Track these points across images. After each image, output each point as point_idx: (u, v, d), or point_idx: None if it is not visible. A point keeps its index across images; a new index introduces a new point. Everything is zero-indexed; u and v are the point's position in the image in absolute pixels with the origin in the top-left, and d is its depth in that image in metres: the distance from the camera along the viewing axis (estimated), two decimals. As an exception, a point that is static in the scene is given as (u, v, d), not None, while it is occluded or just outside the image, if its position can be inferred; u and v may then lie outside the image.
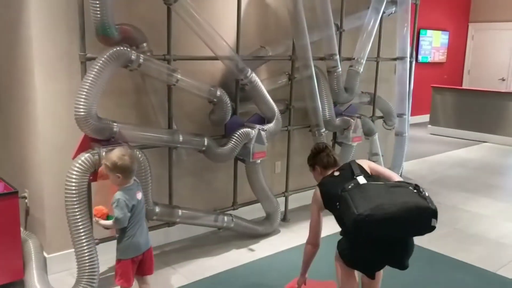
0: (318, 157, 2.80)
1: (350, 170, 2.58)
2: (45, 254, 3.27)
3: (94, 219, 2.62)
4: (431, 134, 9.35)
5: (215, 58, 3.55)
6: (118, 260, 2.69)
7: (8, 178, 3.33)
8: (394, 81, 5.40)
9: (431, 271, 3.43)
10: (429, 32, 10.29)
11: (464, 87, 11.16)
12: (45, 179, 3.17)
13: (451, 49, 11.20)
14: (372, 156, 5.06)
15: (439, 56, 10.92)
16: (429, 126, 9.49)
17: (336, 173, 2.69)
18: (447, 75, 11.28)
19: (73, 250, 3.21)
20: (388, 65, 5.37)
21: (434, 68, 10.85)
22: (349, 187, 2.35)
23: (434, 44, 10.61)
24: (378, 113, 5.22)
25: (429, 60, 10.65)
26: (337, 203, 2.39)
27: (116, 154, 2.59)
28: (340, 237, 2.61)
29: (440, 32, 10.63)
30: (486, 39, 11.31)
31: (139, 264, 2.74)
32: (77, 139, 3.02)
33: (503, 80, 11.10)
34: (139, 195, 2.68)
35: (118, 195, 2.58)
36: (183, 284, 3.21)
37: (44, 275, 3.08)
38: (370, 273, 2.56)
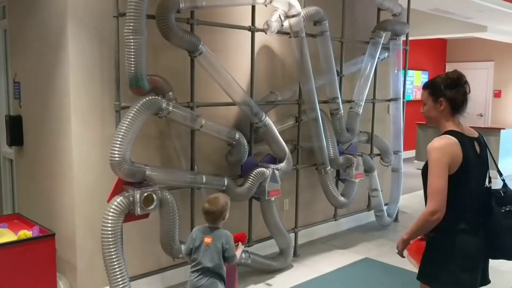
0: (456, 91, 2.22)
1: (485, 158, 2.28)
2: (75, 295, 3.39)
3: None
4: (418, 169, 9.73)
5: (233, 104, 3.83)
6: None
7: (34, 219, 3.47)
8: (388, 120, 5.77)
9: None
10: (410, 72, 10.86)
11: (444, 123, 11.67)
12: (78, 222, 3.34)
13: (431, 88, 11.75)
14: (372, 191, 5.34)
15: (420, 94, 11.43)
16: (415, 161, 9.89)
17: (477, 147, 2.25)
18: (428, 112, 11.79)
19: (105, 289, 3.37)
20: (381, 106, 5.73)
21: (416, 106, 11.35)
22: None
23: (416, 83, 11.17)
24: (375, 151, 5.53)
25: (412, 98, 11.19)
26: (506, 207, 2.18)
27: (208, 199, 2.94)
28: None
29: (420, 72, 11.23)
30: (463, 77, 11.93)
31: None
32: (109, 184, 3.22)
33: (481, 115, 11.69)
34: (208, 240, 2.82)
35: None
36: (210, 318, 3.36)
37: (78, 314, 3.20)
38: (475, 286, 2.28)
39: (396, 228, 5.56)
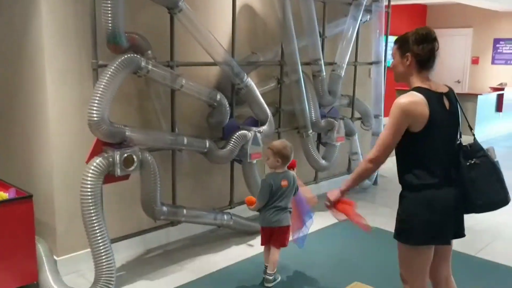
0: (423, 47, 2.18)
1: (456, 113, 2.26)
2: (55, 257, 3.34)
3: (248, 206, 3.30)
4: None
5: (214, 64, 3.74)
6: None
7: (10, 182, 3.38)
8: (368, 84, 5.75)
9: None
10: (390, 38, 10.79)
11: (423, 89, 11.76)
12: (56, 183, 3.26)
13: (410, 54, 11.78)
14: (353, 155, 5.37)
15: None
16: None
17: (446, 103, 2.22)
18: (407, 79, 11.85)
19: (82, 252, 3.34)
20: (362, 70, 5.70)
21: (395, 71, 11.38)
22: (495, 157, 2.22)
23: (395, 49, 11.13)
24: (356, 114, 5.53)
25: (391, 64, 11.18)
26: (472, 160, 2.18)
27: (282, 144, 3.24)
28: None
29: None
30: (442, 43, 11.91)
31: (270, 236, 3.27)
32: (87, 145, 3.14)
33: (459, 82, 11.79)
34: (285, 183, 3.20)
35: (266, 178, 3.24)
36: (192, 279, 3.37)
37: (59, 276, 3.16)
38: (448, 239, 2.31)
39: (375, 191, 5.63)
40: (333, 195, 2.47)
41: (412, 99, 2.14)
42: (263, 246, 3.38)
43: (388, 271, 3.46)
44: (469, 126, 2.37)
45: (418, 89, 2.18)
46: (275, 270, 3.28)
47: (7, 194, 3.07)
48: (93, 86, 3.06)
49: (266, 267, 3.31)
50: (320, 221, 4.48)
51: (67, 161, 3.27)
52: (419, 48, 2.18)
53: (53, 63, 3.12)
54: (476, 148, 2.24)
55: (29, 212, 3.03)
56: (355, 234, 4.28)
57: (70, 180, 3.27)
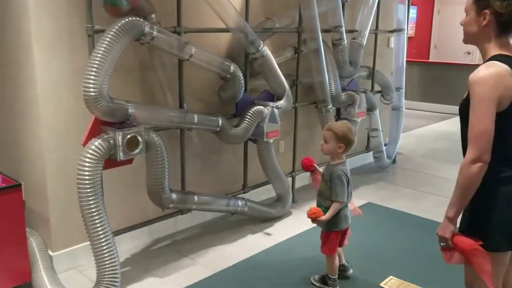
0: (508, 4, 1.70)
1: None
2: (49, 252, 2.94)
3: (314, 221, 2.62)
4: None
5: (226, 30, 3.27)
6: (328, 232, 2.72)
7: (-2, 168, 2.96)
8: (386, 54, 5.29)
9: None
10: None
11: (431, 60, 11.31)
12: (48, 169, 2.83)
13: (419, 24, 11.27)
14: (372, 131, 4.95)
15: (409, 30, 10.94)
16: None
17: None
18: (415, 50, 11.37)
19: (81, 245, 2.96)
20: (380, 39, 5.23)
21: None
22: None
23: (404, 18, 10.63)
24: (376, 87, 5.10)
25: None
26: None
27: (347, 126, 2.69)
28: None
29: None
30: (451, 13, 11.44)
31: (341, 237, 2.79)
32: (83, 124, 2.70)
33: (469, 53, 11.31)
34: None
35: (340, 170, 2.64)
36: (207, 275, 2.98)
37: (54, 275, 2.76)
38: None
39: (394, 170, 5.23)
40: (446, 230, 1.81)
41: (497, 70, 1.68)
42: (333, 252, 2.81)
43: (423, 263, 3.11)
44: None
45: (499, 58, 1.72)
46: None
47: (-8, 182, 2.64)
48: (88, 55, 2.60)
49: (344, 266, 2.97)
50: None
51: (60, 142, 2.83)
52: (502, 5, 1.70)
53: (39, 28, 2.64)
54: None
55: (18, 203, 2.61)
56: (379, 219, 3.91)
57: (64, 164, 2.84)
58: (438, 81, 9.10)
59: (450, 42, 11.54)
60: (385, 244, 3.45)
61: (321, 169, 2.86)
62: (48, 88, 2.73)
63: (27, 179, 2.92)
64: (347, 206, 2.74)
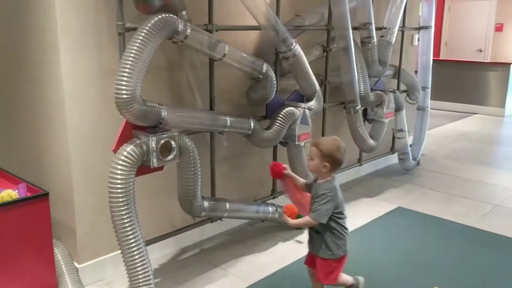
0: None
1: None
2: (75, 264, 2.77)
3: (283, 217, 2.42)
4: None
5: (258, 28, 3.10)
6: (333, 259, 2.42)
7: (17, 174, 2.78)
8: (410, 52, 5.13)
9: (500, 255, 3.20)
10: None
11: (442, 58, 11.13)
12: (75, 176, 2.66)
13: (429, 21, 11.09)
14: (398, 132, 4.78)
15: (419, 28, 10.78)
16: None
17: None
18: (426, 48, 11.20)
19: (108, 256, 2.81)
20: (405, 36, 5.06)
21: (415, 40, 10.71)
22: None
23: (415, 15, 10.46)
24: (402, 86, 4.93)
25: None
26: None
27: (335, 144, 2.36)
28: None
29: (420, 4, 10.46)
30: (462, 10, 11.28)
31: None
32: (112, 128, 2.54)
33: (481, 51, 11.13)
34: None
35: (324, 189, 2.34)
36: (243, 287, 2.81)
37: (82, 287, 2.60)
38: None
39: (418, 172, 5.05)
40: None
41: None
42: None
43: (469, 273, 2.95)
44: None
45: None
46: None
47: (16, 191, 2.47)
48: (119, 55, 2.43)
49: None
50: (373, 209, 3.96)
51: (87, 148, 2.66)
52: None
53: (66, 25, 2.47)
54: None
55: (45, 214, 2.44)
56: (412, 224, 3.75)
57: (92, 171, 2.68)
58: (450, 80, 8.93)
59: (461, 39, 11.38)
60: (424, 252, 3.28)
61: (295, 175, 2.59)
62: (75, 89, 2.56)
63: (51, 186, 2.75)
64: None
